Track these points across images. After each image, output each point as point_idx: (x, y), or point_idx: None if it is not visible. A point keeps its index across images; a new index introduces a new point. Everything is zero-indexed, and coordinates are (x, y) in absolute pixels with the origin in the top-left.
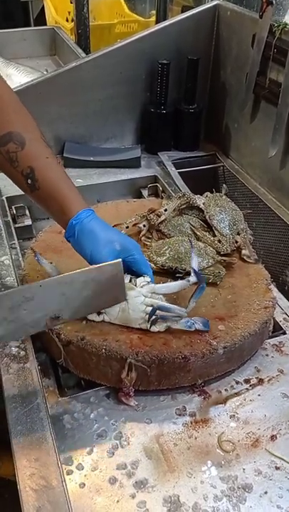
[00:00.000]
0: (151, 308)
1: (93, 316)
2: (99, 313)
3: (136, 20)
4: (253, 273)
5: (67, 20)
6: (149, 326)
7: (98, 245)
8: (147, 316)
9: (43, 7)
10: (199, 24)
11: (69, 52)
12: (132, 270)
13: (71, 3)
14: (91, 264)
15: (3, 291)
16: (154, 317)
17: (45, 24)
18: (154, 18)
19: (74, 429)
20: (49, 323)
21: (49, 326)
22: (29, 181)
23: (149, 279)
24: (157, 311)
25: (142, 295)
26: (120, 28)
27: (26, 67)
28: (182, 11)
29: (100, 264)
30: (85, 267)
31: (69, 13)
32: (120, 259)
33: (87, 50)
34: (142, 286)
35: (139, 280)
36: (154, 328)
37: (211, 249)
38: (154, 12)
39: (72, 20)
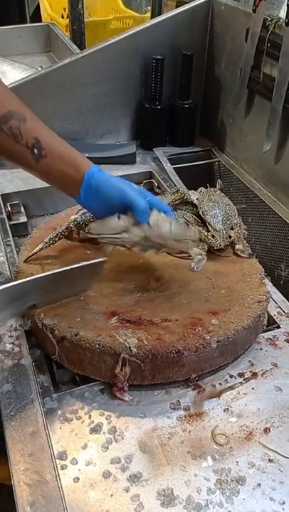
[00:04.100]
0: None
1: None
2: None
3: (131, 16)
4: (246, 267)
5: (62, 17)
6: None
7: (126, 183)
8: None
9: (38, 3)
10: (193, 19)
11: (64, 48)
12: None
13: None
14: (122, 199)
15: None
16: None
17: (41, 21)
18: (149, 14)
19: (68, 425)
20: (26, 311)
21: (24, 313)
22: (35, 151)
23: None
24: None
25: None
26: (115, 24)
27: (21, 64)
28: (177, 6)
29: (84, 263)
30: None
31: (64, 9)
32: (105, 259)
33: (82, 47)
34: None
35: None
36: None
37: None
38: (149, 8)
39: (68, 17)
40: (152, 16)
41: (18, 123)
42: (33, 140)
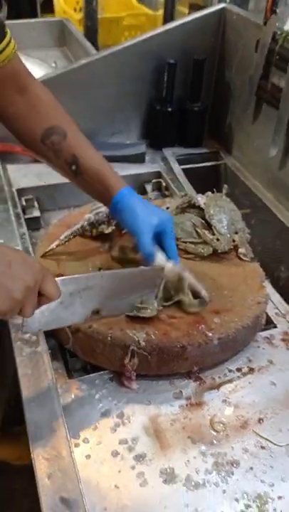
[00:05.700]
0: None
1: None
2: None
3: (144, 13)
4: (248, 270)
5: (75, 10)
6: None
7: (137, 220)
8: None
9: None
10: (206, 25)
11: (78, 44)
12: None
13: None
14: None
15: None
16: None
17: (52, 12)
18: (161, 12)
19: (81, 408)
20: (89, 317)
21: (87, 321)
22: (73, 167)
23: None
24: None
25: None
26: (128, 20)
27: (35, 59)
28: (190, 8)
29: (146, 268)
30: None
31: (77, 2)
32: (163, 267)
33: (95, 44)
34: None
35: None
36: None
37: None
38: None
39: (81, 10)
40: (165, 13)
41: (59, 139)
42: (71, 157)
